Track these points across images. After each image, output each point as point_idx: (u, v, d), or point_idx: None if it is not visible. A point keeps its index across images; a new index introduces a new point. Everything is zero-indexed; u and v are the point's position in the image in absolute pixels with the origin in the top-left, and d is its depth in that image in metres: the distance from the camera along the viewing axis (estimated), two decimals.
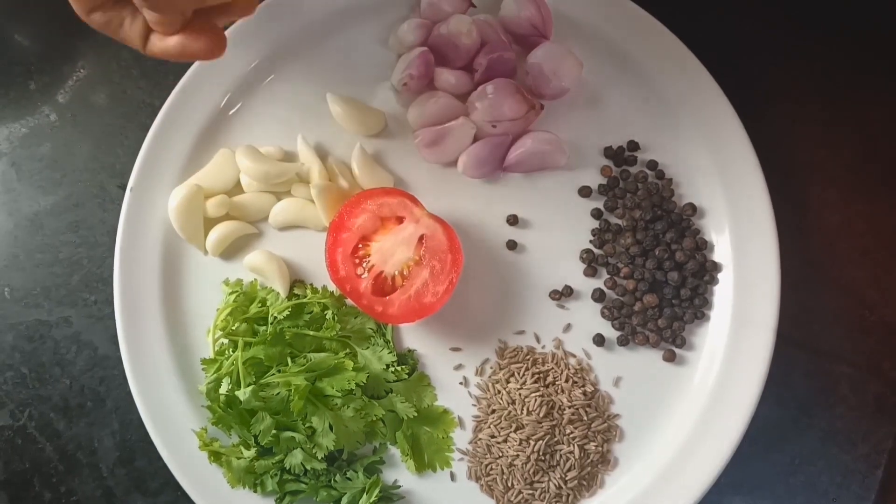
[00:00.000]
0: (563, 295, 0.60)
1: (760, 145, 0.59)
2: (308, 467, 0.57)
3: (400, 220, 0.56)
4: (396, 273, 0.56)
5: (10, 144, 0.67)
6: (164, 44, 0.46)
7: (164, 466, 0.58)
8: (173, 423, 0.59)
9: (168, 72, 0.66)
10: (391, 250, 0.56)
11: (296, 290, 0.60)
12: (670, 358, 0.59)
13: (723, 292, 0.60)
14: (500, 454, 0.58)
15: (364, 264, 0.56)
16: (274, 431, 0.56)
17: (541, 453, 0.57)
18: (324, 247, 0.56)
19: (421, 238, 0.56)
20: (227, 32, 0.61)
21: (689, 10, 0.64)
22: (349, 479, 0.58)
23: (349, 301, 0.58)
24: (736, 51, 0.65)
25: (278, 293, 0.60)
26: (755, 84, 0.65)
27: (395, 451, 0.59)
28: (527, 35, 0.61)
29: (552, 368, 0.59)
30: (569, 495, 0.57)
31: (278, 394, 0.56)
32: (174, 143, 0.61)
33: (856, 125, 0.65)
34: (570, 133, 0.61)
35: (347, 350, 0.59)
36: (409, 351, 0.60)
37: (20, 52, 0.69)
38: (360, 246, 0.56)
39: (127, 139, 0.66)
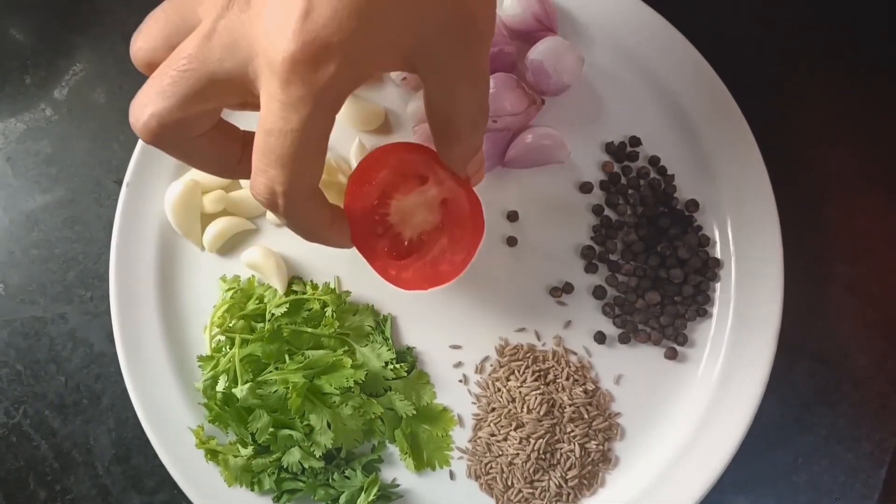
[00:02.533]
0: (564, 292, 0.59)
1: (763, 140, 0.59)
2: (306, 465, 0.56)
3: (423, 179, 0.51)
4: (415, 236, 0.52)
5: (6, 140, 0.67)
6: None
7: (161, 464, 0.58)
8: (169, 420, 0.58)
9: None
10: (411, 211, 0.51)
11: (294, 287, 0.60)
12: (672, 356, 0.58)
13: (725, 289, 0.59)
14: (500, 453, 0.57)
15: (382, 224, 0.51)
16: (271, 429, 0.56)
17: (541, 452, 0.56)
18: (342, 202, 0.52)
19: (443, 202, 0.51)
20: None
21: (692, 5, 0.64)
22: (347, 477, 0.57)
23: (362, 277, 0.55)
24: (739, 46, 0.64)
25: (276, 290, 0.59)
26: (758, 79, 0.64)
27: (393, 450, 0.58)
28: (532, 30, 0.60)
29: (553, 366, 0.58)
30: (569, 494, 0.57)
31: (276, 391, 0.56)
32: None
33: (860, 121, 0.64)
34: (570, 128, 0.61)
35: (346, 347, 0.58)
36: (409, 348, 0.60)
37: (15, 46, 0.68)
38: (379, 203, 0.51)
39: (123, 134, 0.66)
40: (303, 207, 0.40)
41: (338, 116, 0.59)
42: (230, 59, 0.36)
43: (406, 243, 0.52)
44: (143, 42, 0.39)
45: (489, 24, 0.39)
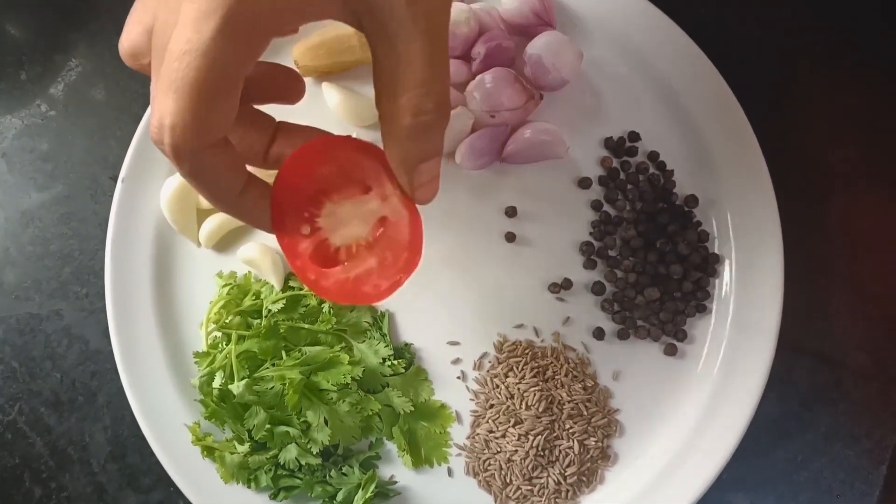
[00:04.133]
0: (563, 288, 0.59)
1: (764, 138, 0.58)
2: (303, 462, 0.56)
3: (367, 189, 0.44)
4: (343, 247, 0.45)
5: (1, 136, 0.66)
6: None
7: (157, 462, 0.57)
8: (166, 417, 0.58)
9: None
10: (345, 220, 0.45)
11: (291, 283, 0.59)
12: (671, 352, 0.58)
13: (725, 286, 0.59)
14: (499, 449, 0.57)
15: (311, 223, 0.45)
16: (268, 426, 0.55)
17: (540, 448, 0.56)
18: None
19: (382, 220, 0.45)
20: None
21: (692, 1, 0.63)
22: (345, 474, 0.57)
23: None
24: (740, 43, 0.64)
25: (273, 286, 0.59)
26: (759, 78, 0.64)
27: (391, 447, 0.58)
28: (530, 25, 0.60)
29: (551, 362, 0.58)
30: (568, 491, 0.56)
31: (272, 388, 0.55)
32: None
33: (861, 120, 0.64)
34: (569, 124, 0.61)
35: (343, 344, 0.58)
36: (406, 345, 0.59)
37: (11, 42, 0.68)
38: (312, 202, 0.45)
39: (120, 130, 0.65)
40: (196, 154, 0.33)
41: (334, 111, 0.60)
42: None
43: (332, 251, 0.45)
44: (125, 34, 0.38)
45: None
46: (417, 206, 0.43)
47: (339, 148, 0.44)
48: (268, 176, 0.43)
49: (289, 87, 0.43)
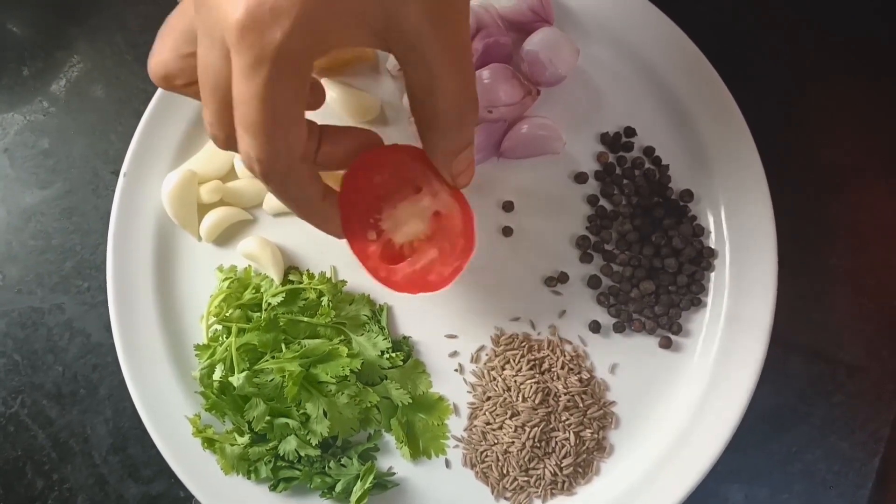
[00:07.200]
0: (559, 281, 0.59)
1: (759, 132, 0.59)
2: (302, 454, 0.56)
3: (418, 189, 0.50)
4: (406, 243, 0.51)
5: (4, 132, 0.67)
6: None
7: (158, 454, 0.58)
8: (166, 409, 0.58)
9: None
10: (403, 219, 0.50)
11: (290, 277, 0.60)
12: (666, 345, 0.59)
13: (719, 279, 0.59)
14: (496, 441, 0.57)
15: (375, 228, 0.51)
16: (268, 418, 0.56)
17: (536, 440, 0.57)
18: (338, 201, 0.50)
19: (436, 214, 0.50)
20: None
21: None
22: (343, 465, 0.57)
23: (358, 267, 0.52)
24: (735, 38, 0.64)
25: (272, 280, 0.59)
26: (755, 71, 0.64)
27: (389, 438, 0.59)
28: (527, 21, 0.60)
29: (548, 355, 0.58)
30: (564, 482, 0.57)
31: (272, 380, 0.56)
32: (168, 129, 0.61)
33: (856, 114, 0.64)
34: (566, 119, 0.61)
35: (342, 337, 0.58)
36: (404, 338, 0.60)
37: (13, 39, 0.69)
38: (373, 209, 0.51)
39: (121, 125, 0.66)
40: (282, 176, 0.40)
41: (333, 107, 0.61)
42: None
43: (397, 248, 0.51)
44: (155, 57, 0.42)
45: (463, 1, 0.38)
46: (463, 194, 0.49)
47: (387, 155, 0.49)
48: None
49: (313, 94, 0.48)
